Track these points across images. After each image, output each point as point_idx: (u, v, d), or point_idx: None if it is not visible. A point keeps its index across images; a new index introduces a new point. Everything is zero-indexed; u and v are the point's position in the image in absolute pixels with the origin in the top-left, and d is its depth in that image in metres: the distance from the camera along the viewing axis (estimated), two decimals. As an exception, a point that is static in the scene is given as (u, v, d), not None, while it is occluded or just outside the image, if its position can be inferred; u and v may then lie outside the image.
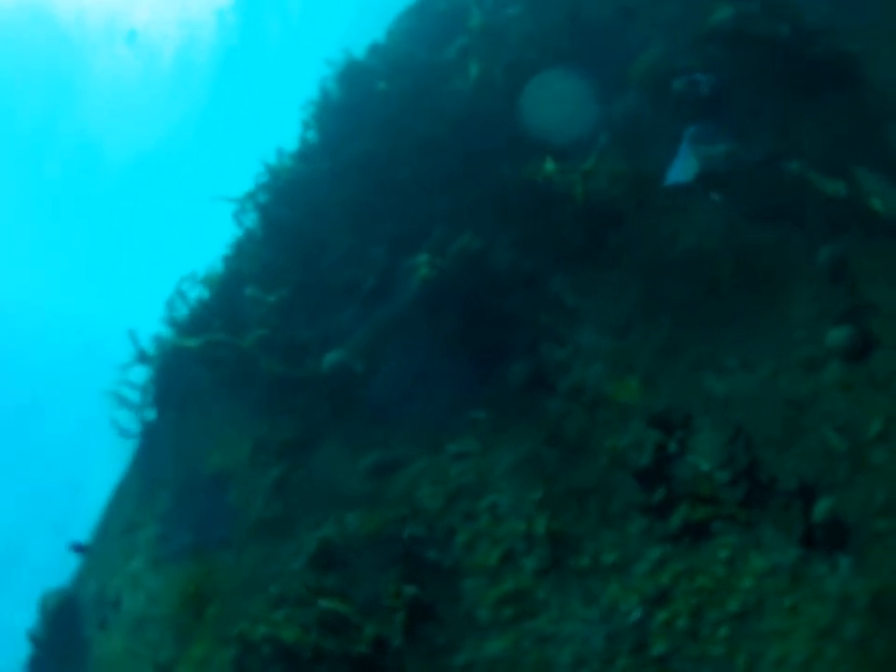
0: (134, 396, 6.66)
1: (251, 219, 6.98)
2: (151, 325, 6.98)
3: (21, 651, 6.78)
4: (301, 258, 6.70)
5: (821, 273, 6.17)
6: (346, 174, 6.87)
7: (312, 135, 7.14)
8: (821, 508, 5.17)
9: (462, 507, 5.79)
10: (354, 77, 6.86)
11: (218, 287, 6.76)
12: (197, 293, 6.82)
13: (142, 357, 6.66)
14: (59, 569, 6.69)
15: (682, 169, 6.66)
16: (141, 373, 6.70)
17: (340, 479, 6.18)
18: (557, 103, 6.24)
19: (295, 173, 6.97)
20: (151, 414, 6.72)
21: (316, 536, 5.86)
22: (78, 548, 6.77)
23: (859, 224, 6.41)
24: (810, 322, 6.04)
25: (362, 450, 6.16)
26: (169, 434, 6.69)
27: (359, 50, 7.37)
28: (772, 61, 7.03)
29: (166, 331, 6.79)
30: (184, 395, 6.69)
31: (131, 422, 6.66)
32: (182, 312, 6.75)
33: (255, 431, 6.43)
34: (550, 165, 5.99)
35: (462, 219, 6.51)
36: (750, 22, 6.99)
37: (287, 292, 6.33)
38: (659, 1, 7.05)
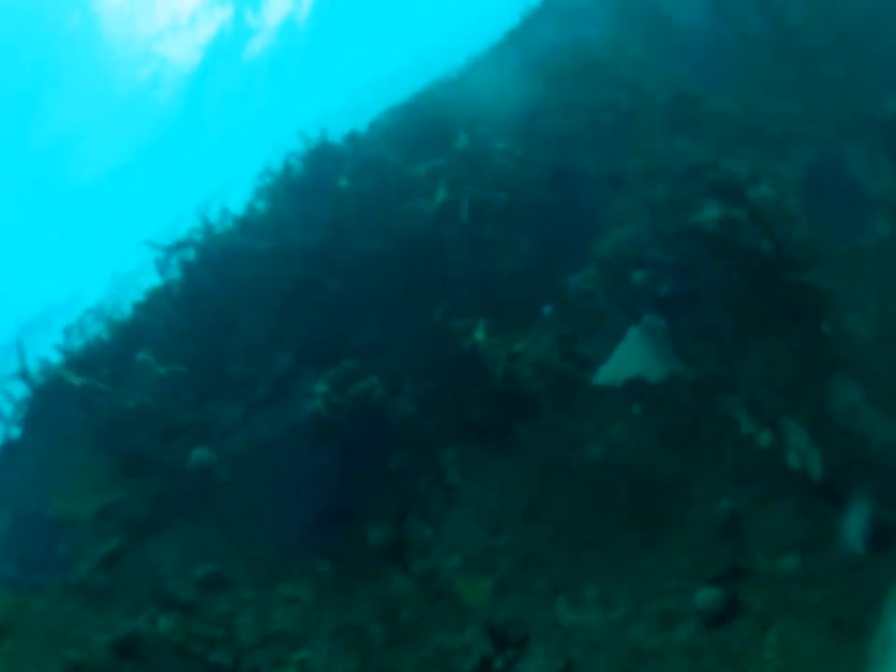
0: (7, 408, 6.50)
1: (173, 273, 6.78)
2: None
3: None
4: (209, 334, 6.51)
5: (715, 523, 6.02)
6: (281, 262, 6.68)
7: (261, 207, 6.93)
8: None
9: (275, 651, 5.61)
10: (322, 161, 6.66)
11: (119, 333, 6.57)
12: (97, 330, 6.63)
13: (24, 375, 6.46)
14: None
15: (616, 367, 6.49)
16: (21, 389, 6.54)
17: (170, 575, 5.98)
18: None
19: (231, 240, 6.76)
20: (16, 433, 6.53)
21: (129, 624, 5.67)
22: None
23: (769, 478, 6.26)
24: (686, 573, 5.91)
25: (202, 555, 5.98)
26: (26, 460, 6.51)
27: (339, 130, 7.16)
28: (743, 275, 6.86)
29: (56, 357, 6.61)
30: (54, 427, 6.50)
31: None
32: (78, 343, 6.56)
33: (108, 494, 6.26)
34: (480, 334, 5.84)
35: (378, 353, 6.32)
36: (734, 230, 6.81)
37: (182, 369, 6.14)
38: (650, 178, 6.85)
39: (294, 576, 5.75)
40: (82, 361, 6.60)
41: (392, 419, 6.04)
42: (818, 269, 7.05)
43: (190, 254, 6.91)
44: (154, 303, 6.77)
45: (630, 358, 6.32)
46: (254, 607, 5.76)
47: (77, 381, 6.47)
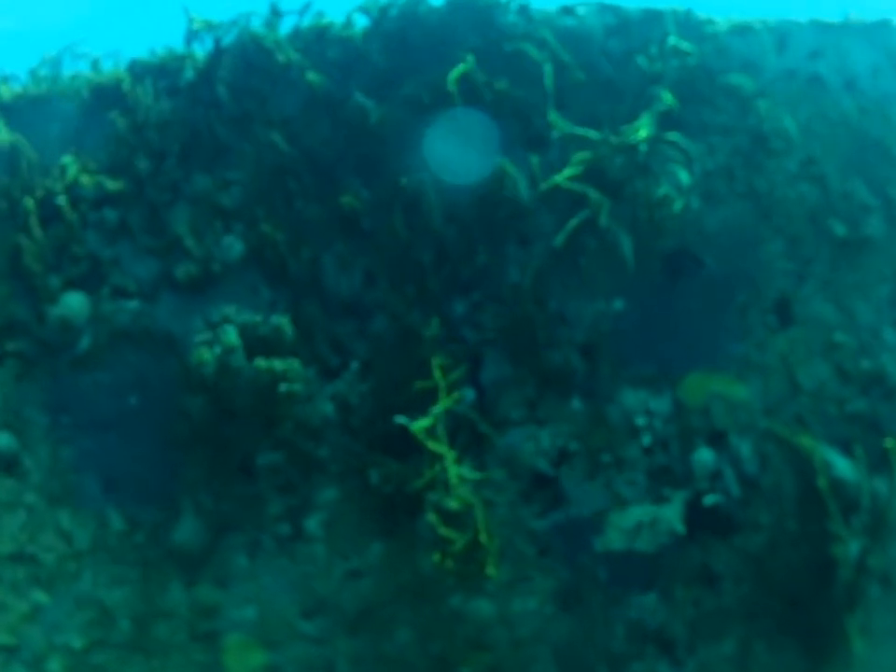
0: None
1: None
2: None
3: None
4: (183, 151, 5.42)
5: None
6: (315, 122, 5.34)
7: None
8: None
9: None
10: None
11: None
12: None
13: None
14: None
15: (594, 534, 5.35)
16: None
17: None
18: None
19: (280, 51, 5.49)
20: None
21: None
22: None
23: None
24: None
25: (15, 422, 5.28)
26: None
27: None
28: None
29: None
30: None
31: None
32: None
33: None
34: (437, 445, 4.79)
35: (341, 313, 5.17)
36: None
37: (117, 189, 5.23)
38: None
39: (81, 512, 4.95)
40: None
41: (290, 410, 4.88)
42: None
43: (229, 38, 5.42)
44: (146, 76, 5.46)
45: (612, 537, 4.93)
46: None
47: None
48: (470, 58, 5.74)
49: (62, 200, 5.65)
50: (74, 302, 5.54)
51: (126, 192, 5.69)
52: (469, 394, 5.40)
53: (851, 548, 5.23)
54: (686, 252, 5.72)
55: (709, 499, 5.38)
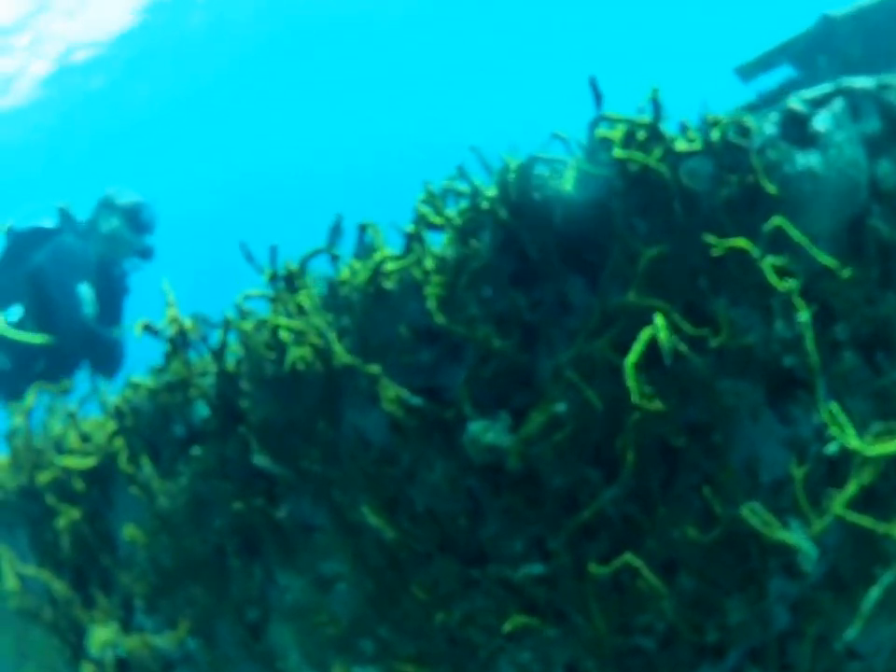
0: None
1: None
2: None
3: None
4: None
5: None
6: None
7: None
8: None
9: None
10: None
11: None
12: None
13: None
14: None
15: None
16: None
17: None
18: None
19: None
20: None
21: None
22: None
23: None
24: None
25: None
26: None
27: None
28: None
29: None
30: None
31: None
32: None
33: None
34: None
35: None
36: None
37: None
38: None
39: None
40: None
41: None
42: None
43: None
44: (139, 428, 3.58)
45: None
46: None
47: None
48: (676, 317, 3.24)
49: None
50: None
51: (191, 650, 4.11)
52: None
53: None
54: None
55: None
